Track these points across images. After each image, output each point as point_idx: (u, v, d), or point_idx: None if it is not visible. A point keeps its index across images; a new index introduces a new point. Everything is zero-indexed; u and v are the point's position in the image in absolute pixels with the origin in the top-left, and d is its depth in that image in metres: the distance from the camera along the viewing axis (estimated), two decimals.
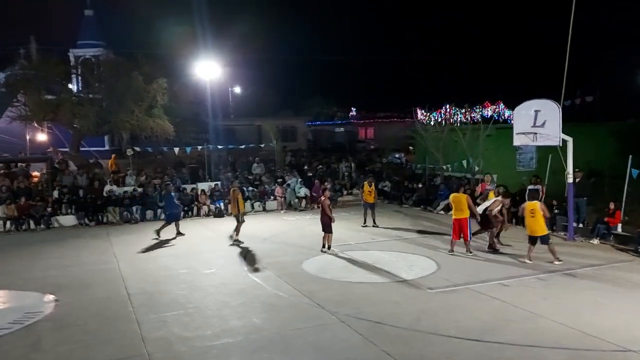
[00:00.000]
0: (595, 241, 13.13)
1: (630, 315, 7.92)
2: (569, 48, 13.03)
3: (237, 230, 14.19)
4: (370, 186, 16.43)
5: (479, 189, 14.43)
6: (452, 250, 12.20)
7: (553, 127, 12.92)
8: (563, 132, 12.91)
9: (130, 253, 13.31)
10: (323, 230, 12.71)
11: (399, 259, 11.84)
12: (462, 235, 12.03)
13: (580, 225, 14.10)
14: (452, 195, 12.65)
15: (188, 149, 23.64)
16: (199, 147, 23.60)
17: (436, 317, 8.10)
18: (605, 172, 17.98)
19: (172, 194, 16.04)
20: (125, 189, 19.42)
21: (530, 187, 15.23)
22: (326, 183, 18.28)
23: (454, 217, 12.14)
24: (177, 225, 15.33)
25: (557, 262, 10.90)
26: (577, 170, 13.89)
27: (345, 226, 15.88)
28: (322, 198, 12.89)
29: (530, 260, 11.14)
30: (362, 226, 16.11)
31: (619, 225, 13.24)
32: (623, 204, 13.48)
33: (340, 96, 58.37)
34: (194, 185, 20.50)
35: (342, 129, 53.47)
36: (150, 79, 23.09)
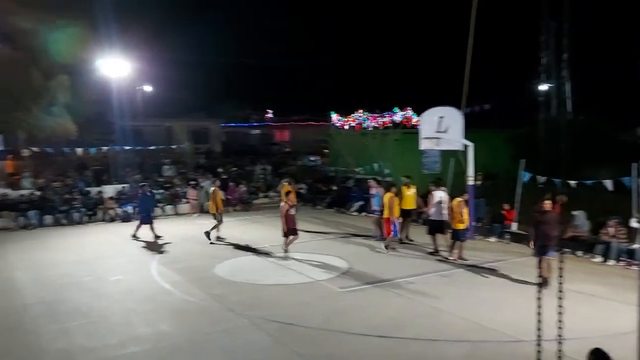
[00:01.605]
0: (493, 239, 14.14)
1: (523, 308, 8.57)
2: (469, 60, 13.94)
3: (215, 228, 14.23)
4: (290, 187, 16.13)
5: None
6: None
7: (455, 133, 13.76)
8: (464, 137, 13.78)
9: (29, 260, 12.39)
10: (284, 235, 12.37)
11: (312, 260, 11.99)
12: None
13: (480, 224, 15.12)
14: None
15: (92, 150, 22.33)
16: (104, 148, 22.37)
17: (346, 315, 8.30)
18: (500, 175, 19.42)
19: (148, 194, 15.60)
20: (22, 192, 17.97)
21: (433, 188, 16.11)
22: (240, 186, 17.99)
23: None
24: (152, 228, 14.90)
25: (451, 258, 11.73)
26: (479, 173, 14.89)
27: (260, 229, 15.80)
28: (282, 203, 12.46)
29: (453, 256, 11.83)
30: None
31: (514, 224, 14.37)
32: (517, 204, 14.65)
33: (256, 98, 57.93)
34: (98, 189, 19.41)
35: (257, 132, 53.16)
36: (51, 76, 21.53)
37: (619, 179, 12.49)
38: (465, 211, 11.83)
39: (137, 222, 15.20)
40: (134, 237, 14.83)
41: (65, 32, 20.97)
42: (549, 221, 9.47)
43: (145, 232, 14.84)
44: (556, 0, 3.24)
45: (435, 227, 12.51)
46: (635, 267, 10.87)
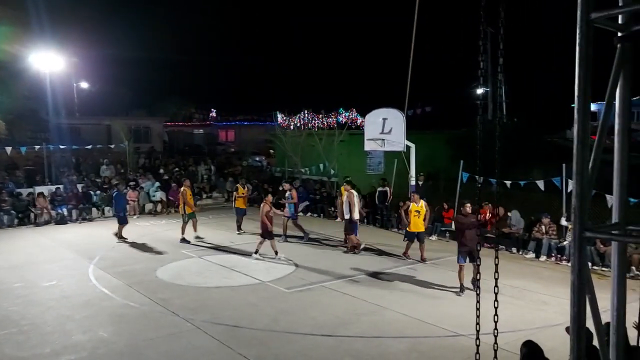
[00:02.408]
0: (434, 237, 14.58)
1: (461, 304, 8.94)
2: (411, 63, 14.30)
3: (184, 228, 14.05)
4: (244, 189, 15.76)
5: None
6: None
7: (398, 134, 14.08)
8: (407, 139, 14.13)
9: None
10: (261, 236, 12.07)
11: (258, 262, 11.91)
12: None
13: None
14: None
15: (23, 149, 21.12)
16: (37, 147, 21.22)
17: (293, 315, 8.32)
18: (441, 175, 20.06)
19: (122, 194, 15.23)
20: None
21: (379, 189, 16.47)
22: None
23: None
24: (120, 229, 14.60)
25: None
26: (421, 174, 15.32)
27: (204, 230, 15.47)
28: (263, 204, 12.07)
29: (408, 256, 12.08)
30: (238, 234, 15.22)
31: (453, 223, 14.87)
32: (456, 203, 15.18)
33: (199, 97, 56.86)
34: (30, 190, 18.39)
35: (201, 131, 52.15)
36: None
37: (550, 179, 13.21)
38: (421, 213, 11.94)
39: (116, 223, 14.88)
40: (121, 237, 14.42)
41: None
42: (468, 226, 9.44)
43: (126, 232, 14.60)
44: (493, 7, 3.40)
45: (346, 227, 12.81)
46: (564, 263, 11.55)
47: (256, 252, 12.09)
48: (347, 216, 12.72)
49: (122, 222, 14.66)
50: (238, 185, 16.10)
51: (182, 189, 14.52)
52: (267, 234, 11.89)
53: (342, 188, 13.97)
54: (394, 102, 15.31)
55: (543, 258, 12.07)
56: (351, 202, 12.63)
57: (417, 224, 11.94)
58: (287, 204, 14.22)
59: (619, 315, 2.58)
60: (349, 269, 11.21)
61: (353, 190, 13.03)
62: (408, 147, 14.38)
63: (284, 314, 8.40)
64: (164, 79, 53.40)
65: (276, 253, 12.02)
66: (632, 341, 4.15)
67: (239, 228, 15.45)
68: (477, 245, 9.05)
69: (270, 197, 12.31)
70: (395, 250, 12.51)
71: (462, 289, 9.48)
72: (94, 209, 18.53)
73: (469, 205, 9.67)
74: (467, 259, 9.41)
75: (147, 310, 8.66)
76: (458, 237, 9.73)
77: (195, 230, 14.34)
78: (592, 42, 2.41)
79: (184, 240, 13.93)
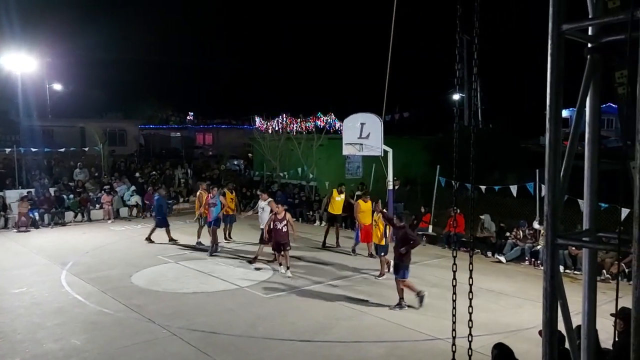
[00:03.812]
0: None
1: (437, 307, 9.00)
2: (388, 69, 14.42)
3: (198, 233, 13.84)
4: (231, 194, 14.85)
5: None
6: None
7: (376, 139, 14.14)
8: (384, 143, 14.22)
9: None
10: (275, 250, 11.23)
11: (235, 267, 11.82)
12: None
13: None
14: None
15: None
16: (7, 150, 20.70)
17: (272, 321, 8.27)
18: (418, 180, 20.24)
19: (163, 198, 14.95)
20: None
21: (357, 193, 16.52)
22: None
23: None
24: (168, 232, 14.50)
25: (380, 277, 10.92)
26: (395, 178, 15.41)
27: (180, 235, 15.28)
28: (282, 213, 11.05)
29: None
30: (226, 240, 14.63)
31: (430, 227, 15.04)
32: (432, 208, 15.35)
33: (176, 100, 56.28)
34: (0, 193, 17.92)
35: (178, 134, 51.56)
36: None
37: (523, 184, 13.47)
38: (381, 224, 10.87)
39: (153, 226, 14.62)
40: (149, 240, 14.21)
41: None
42: (400, 238, 9.09)
43: (159, 236, 14.39)
44: (469, 16, 3.46)
45: (261, 237, 12.00)
46: (540, 267, 11.76)
47: (286, 267, 11.08)
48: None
49: (160, 225, 14.41)
50: (226, 190, 15.05)
51: (198, 192, 14.13)
52: (276, 246, 11.08)
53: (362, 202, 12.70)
54: (372, 107, 15.38)
55: (519, 262, 12.27)
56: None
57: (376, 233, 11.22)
58: (210, 209, 13.17)
59: (589, 319, 2.64)
60: (327, 273, 11.21)
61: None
62: (386, 152, 14.47)
63: (262, 319, 8.35)
64: (140, 81, 52.78)
65: (281, 265, 11.32)
66: (603, 344, 4.25)
67: (228, 236, 14.89)
68: (401, 260, 8.86)
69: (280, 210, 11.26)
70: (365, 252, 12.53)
71: (400, 303, 8.96)
72: (67, 213, 18.14)
73: (397, 218, 9.46)
74: (397, 273, 9.01)
75: (122, 317, 8.51)
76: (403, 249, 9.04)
77: (198, 236, 13.94)
78: (563, 52, 2.47)
79: (199, 244, 13.67)
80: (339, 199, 14.58)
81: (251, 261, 11.97)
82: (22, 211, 16.65)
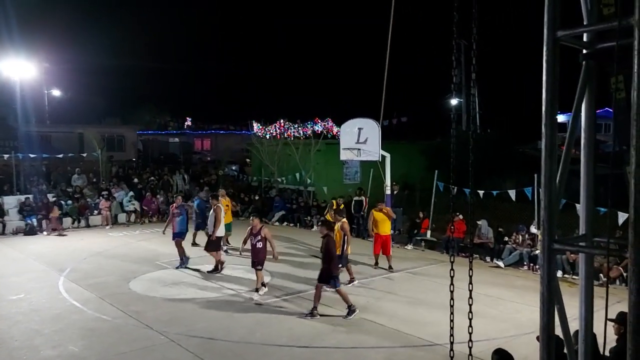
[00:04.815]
0: (410, 247, 14.69)
1: (437, 313, 8.98)
2: (386, 74, 14.48)
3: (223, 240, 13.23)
4: (225, 199, 14.14)
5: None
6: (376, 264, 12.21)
7: (374, 144, 14.18)
8: (382, 148, 14.25)
9: None
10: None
11: (234, 272, 11.79)
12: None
13: (397, 232, 15.68)
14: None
15: None
16: (6, 156, 20.67)
17: (270, 327, 8.25)
18: (416, 185, 20.26)
19: (204, 202, 14.67)
20: None
21: (356, 198, 16.55)
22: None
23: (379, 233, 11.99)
24: (194, 236, 14.45)
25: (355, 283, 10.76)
26: (394, 183, 15.43)
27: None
28: (258, 227, 9.94)
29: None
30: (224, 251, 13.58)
31: (428, 232, 15.04)
32: (431, 213, 15.36)
33: (174, 105, 56.43)
34: None
35: (176, 140, 51.58)
36: None
37: (521, 189, 13.49)
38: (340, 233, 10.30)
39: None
40: (194, 244, 14.21)
41: None
42: (324, 246, 8.85)
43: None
44: (467, 22, 3.48)
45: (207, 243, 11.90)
46: (538, 272, 11.76)
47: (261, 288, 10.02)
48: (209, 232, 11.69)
49: (200, 227, 14.33)
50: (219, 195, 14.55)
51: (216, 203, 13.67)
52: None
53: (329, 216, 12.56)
54: (369, 112, 15.45)
55: (518, 267, 12.28)
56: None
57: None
58: (175, 220, 12.34)
59: (587, 324, 2.65)
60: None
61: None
62: (383, 157, 14.49)
63: (260, 325, 8.33)
64: (138, 86, 52.92)
65: (352, 280, 10.65)
66: (601, 347, 4.25)
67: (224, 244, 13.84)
68: (326, 269, 8.63)
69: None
70: (372, 260, 12.51)
71: (312, 310, 8.67)
72: (65, 219, 18.10)
73: (323, 227, 9.15)
74: (321, 280, 8.78)
75: (120, 323, 8.48)
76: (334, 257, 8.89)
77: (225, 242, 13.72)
78: (558, 58, 2.49)
79: (225, 251, 13.41)
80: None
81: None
82: (55, 215, 17.31)
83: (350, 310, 8.71)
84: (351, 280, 10.75)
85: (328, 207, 15.46)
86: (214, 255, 11.89)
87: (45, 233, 17.07)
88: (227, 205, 14.09)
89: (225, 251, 13.52)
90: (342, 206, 14.42)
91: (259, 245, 9.83)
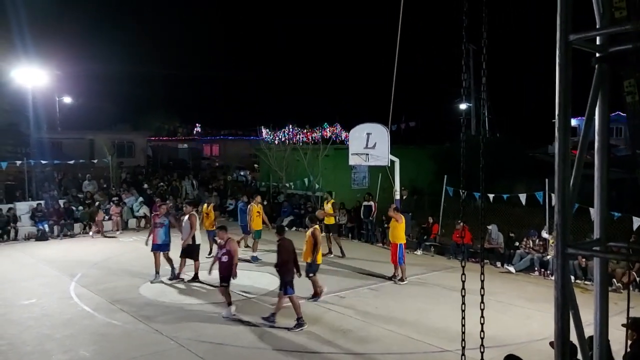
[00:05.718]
0: (419, 252, 14.62)
1: (447, 318, 8.94)
2: (394, 78, 14.46)
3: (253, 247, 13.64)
4: (257, 205, 13.90)
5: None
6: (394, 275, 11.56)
7: (382, 149, 14.15)
8: (391, 153, 14.22)
9: None
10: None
11: (242, 277, 11.78)
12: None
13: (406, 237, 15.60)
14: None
15: (4, 164, 20.77)
16: (18, 163, 20.89)
17: (279, 332, 8.24)
18: (425, 190, 20.18)
19: (247, 206, 14.37)
20: None
21: (365, 203, 16.52)
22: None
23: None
24: (244, 240, 14.44)
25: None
26: (403, 188, 15.39)
27: None
28: (225, 239, 9.34)
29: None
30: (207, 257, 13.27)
31: (437, 237, 14.96)
32: (440, 218, 15.28)
33: (184, 111, 56.80)
34: (10, 205, 18.05)
35: (185, 146, 51.88)
36: None
37: (532, 194, 13.39)
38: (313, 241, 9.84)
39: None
40: (247, 246, 14.26)
41: None
42: (281, 251, 8.71)
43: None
44: (476, 26, 3.48)
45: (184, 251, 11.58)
46: (549, 277, 11.65)
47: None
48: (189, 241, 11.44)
49: (245, 231, 14.36)
50: (208, 202, 14.59)
51: (250, 205, 13.85)
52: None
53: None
54: (378, 117, 15.42)
55: (530, 272, 12.17)
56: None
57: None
58: (157, 230, 11.72)
59: (601, 330, 2.62)
60: (333, 284, 11.15)
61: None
62: (392, 162, 14.46)
63: (269, 330, 8.32)
64: (148, 93, 53.33)
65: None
66: (615, 354, 4.20)
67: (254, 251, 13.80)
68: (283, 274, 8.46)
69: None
70: (381, 266, 12.46)
71: (271, 316, 8.47)
72: (75, 225, 18.23)
73: (280, 233, 9.01)
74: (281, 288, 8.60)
75: (130, 328, 8.51)
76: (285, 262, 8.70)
77: (254, 250, 13.64)
78: (571, 62, 2.48)
79: (255, 258, 13.38)
80: (327, 208, 14.58)
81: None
82: (99, 219, 18.05)
83: (299, 323, 8.30)
84: (315, 296, 9.89)
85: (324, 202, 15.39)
86: (195, 263, 11.63)
87: (90, 235, 17.73)
88: (257, 212, 13.75)
89: (255, 258, 13.42)
90: (332, 201, 14.94)
91: (224, 259, 9.12)
